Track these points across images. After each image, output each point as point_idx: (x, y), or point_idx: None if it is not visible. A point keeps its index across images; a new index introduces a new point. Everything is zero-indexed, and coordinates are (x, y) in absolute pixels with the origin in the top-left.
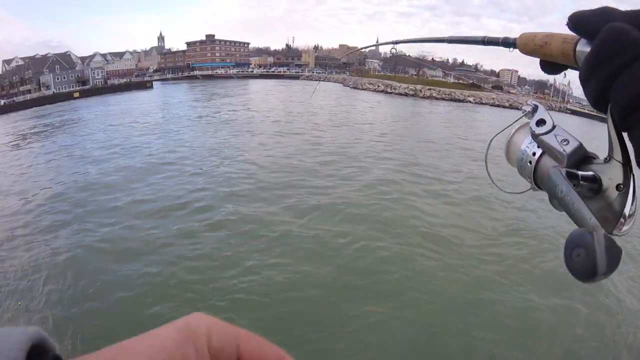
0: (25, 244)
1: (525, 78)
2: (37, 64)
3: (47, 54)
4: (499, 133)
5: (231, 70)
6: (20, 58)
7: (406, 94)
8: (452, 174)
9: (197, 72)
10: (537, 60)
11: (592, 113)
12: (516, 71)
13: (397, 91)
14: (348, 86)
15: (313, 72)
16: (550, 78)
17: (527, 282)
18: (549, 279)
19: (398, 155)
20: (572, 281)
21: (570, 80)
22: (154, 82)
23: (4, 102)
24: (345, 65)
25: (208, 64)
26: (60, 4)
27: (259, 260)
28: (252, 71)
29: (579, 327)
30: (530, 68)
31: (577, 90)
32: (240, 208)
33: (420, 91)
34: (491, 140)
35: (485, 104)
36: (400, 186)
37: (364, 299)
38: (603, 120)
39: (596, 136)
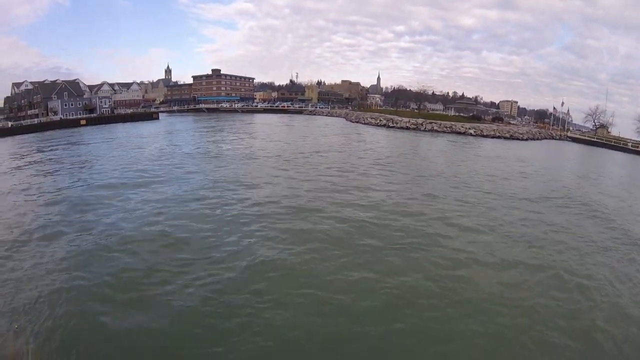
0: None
1: (525, 108)
2: (46, 90)
3: (56, 80)
4: None
5: (236, 105)
6: (30, 82)
7: (408, 128)
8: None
9: (202, 105)
10: (537, 89)
11: (591, 140)
12: (516, 102)
13: (398, 125)
14: (350, 120)
15: (316, 107)
16: (550, 107)
17: None
18: None
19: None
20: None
21: (569, 107)
22: (160, 114)
23: (12, 125)
24: (347, 100)
25: (213, 97)
26: (71, 34)
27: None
28: (257, 105)
29: None
30: (530, 98)
31: (577, 118)
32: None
33: (422, 125)
34: None
35: (487, 136)
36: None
37: None
38: (599, 145)
39: (594, 160)
